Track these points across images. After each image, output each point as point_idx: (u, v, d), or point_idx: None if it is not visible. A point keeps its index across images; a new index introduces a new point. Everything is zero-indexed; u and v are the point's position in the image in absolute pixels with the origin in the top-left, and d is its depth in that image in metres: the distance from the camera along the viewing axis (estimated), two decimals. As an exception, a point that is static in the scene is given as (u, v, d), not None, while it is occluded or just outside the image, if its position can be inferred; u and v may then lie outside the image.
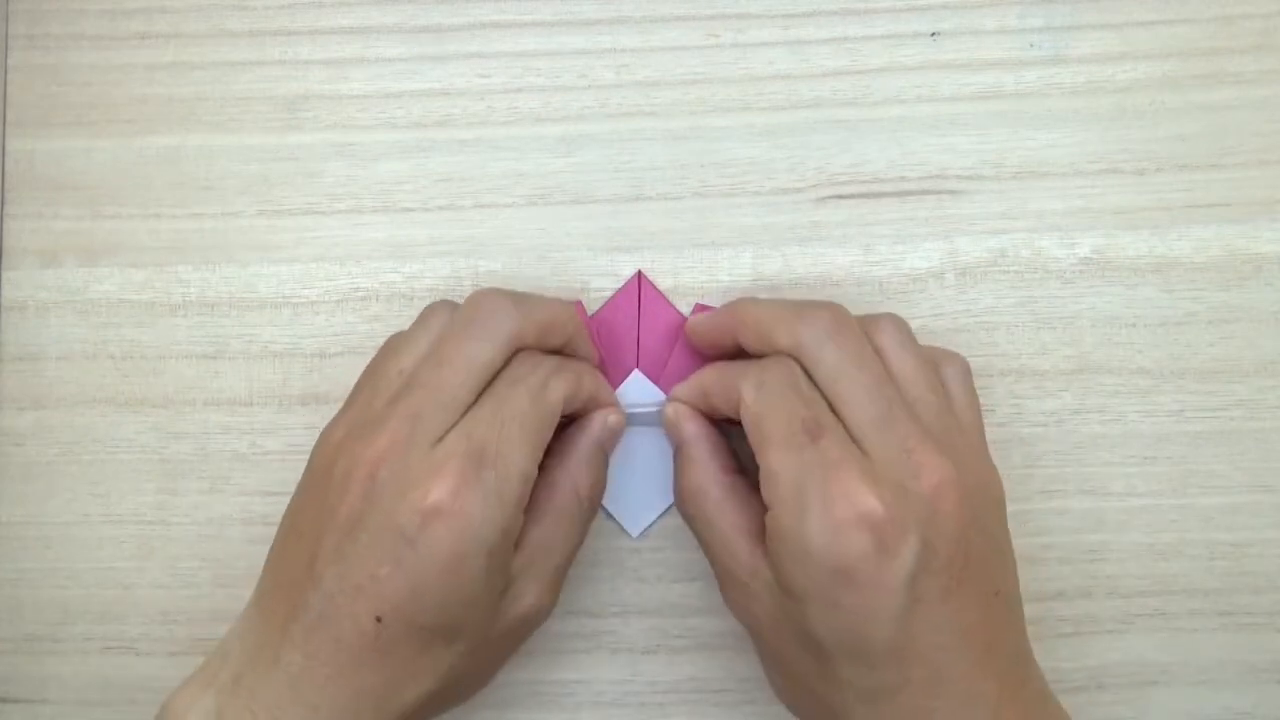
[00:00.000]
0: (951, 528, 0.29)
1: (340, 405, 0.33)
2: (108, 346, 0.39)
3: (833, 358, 0.31)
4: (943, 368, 0.33)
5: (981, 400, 0.34)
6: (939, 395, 0.32)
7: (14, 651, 0.38)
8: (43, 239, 0.39)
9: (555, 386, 0.32)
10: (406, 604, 0.29)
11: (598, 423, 0.34)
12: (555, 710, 0.37)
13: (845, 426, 0.30)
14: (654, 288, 0.38)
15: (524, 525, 0.32)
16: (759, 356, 0.33)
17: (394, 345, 0.34)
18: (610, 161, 0.39)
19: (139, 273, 0.39)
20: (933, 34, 0.39)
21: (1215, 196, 0.38)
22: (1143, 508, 0.37)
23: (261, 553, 0.32)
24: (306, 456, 0.32)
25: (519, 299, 0.33)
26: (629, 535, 0.37)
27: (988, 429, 0.34)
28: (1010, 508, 0.33)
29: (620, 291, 0.38)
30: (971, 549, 0.30)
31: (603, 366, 0.37)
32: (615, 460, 0.37)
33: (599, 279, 0.38)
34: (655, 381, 0.37)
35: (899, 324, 0.33)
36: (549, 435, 0.32)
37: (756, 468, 0.31)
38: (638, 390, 0.37)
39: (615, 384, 0.37)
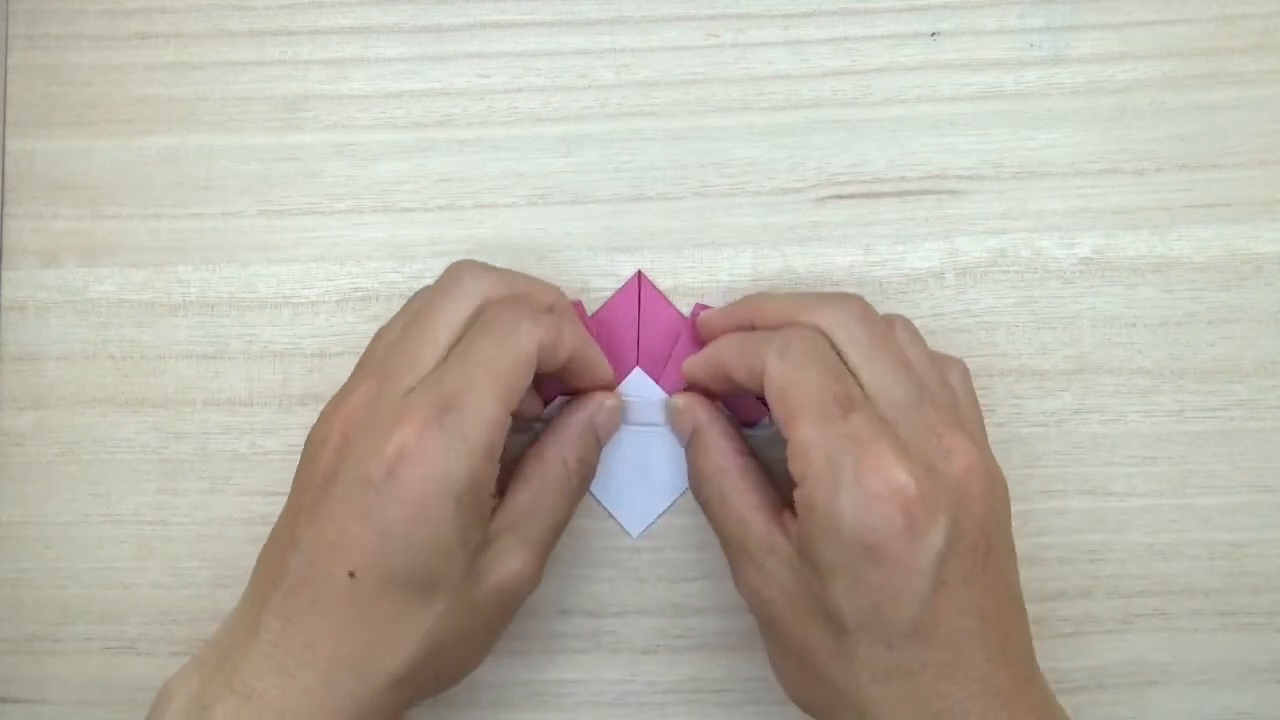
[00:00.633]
0: (979, 512, 0.29)
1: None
2: (108, 346, 0.39)
3: (865, 338, 0.31)
4: (944, 371, 0.33)
5: (981, 400, 0.34)
6: (949, 393, 0.32)
7: (14, 651, 0.38)
8: (43, 239, 0.39)
9: (527, 330, 0.31)
10: (376, 554, 0.29)
11: (593, 401, 0.34)
12: (554, 710, 0.37)
13: (874, 405, 0.30)
14: (654, 288, 0.38)
15: (509, 490, 0.32)
16: None
17: (381, 328, 0.34)
18: (610, 161, 0.39)
19: (139, 273, 0.39)
20: (933, 34, 0.39)
21: (1215, 196, 0.38)
22: (1143, 508, 0.37)
23: (261, 553, 0.32)
24: (306, 456, 0.33)
25: (499, 268, 0.33)
26: (629, 535, 0.37)
27: (988, 429, 0.34)
28: (1011, 508, 0.33)
29: (620, 291, 0.38)
30: (993, 538, 0.30)
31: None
32: (615, 460, 0.37)
33: (599, 279, 0.38)
34: (655, 381, 0.37)
35: (909, 324, 0.33)
36: (522, 382, 0.31)
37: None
38: (638, 389, 0.37)
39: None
